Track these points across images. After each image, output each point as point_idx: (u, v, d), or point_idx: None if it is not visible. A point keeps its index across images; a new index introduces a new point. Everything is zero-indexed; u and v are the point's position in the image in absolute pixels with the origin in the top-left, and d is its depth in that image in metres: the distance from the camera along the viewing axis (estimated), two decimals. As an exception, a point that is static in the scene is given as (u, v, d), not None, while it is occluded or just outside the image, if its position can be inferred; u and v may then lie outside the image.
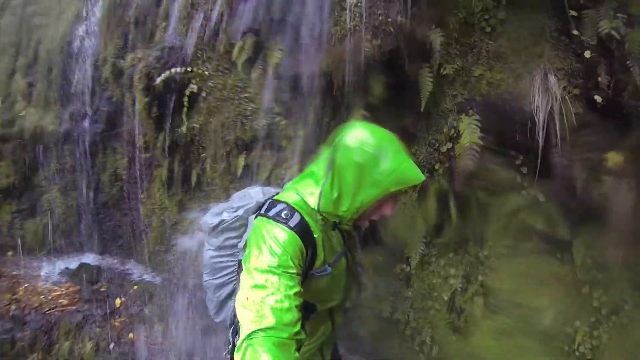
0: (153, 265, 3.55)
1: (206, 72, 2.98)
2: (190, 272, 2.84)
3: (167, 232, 3.39)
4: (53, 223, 3.97)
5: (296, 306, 0.93)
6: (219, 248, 1.23)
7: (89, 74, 3.67)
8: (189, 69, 2.95)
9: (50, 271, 3.78)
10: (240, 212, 1.19)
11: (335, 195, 1.07)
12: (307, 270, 1.09)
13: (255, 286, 0.94)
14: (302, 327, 0.95)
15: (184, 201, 3.29)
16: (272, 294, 0.92)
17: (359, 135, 1.07)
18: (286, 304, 0.91)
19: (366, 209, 1.09)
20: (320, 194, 1.10)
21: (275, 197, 1.14)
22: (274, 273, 0.95)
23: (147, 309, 3.15)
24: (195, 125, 3.09)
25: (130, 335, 2.96)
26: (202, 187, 3.17)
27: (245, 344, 0.85)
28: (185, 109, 3.04)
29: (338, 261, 1.18)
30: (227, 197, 1.63)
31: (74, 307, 3.28)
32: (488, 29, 1.92)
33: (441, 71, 2.03)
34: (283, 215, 1.05)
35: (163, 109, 3.17)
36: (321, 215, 1.12)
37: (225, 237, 1.22)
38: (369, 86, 2.16)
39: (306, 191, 1.13)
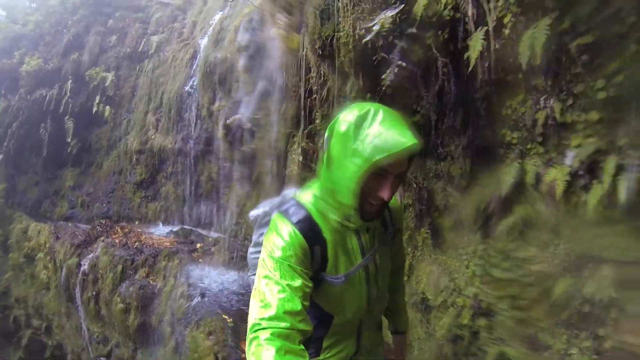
0: (223, 231, 5.68)
1: (256, 116, 5.06)
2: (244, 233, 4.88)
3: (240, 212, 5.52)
4: (166, 205, 6.32)
5: (299, 297, 0.97)
6: (256, 244, 1.25)
7: (193, 113, 6.01)
8: (248, 114, 5.09)
9: (161, 231, 6.08)
10: (267, 208, 1.22)
11: (330, 182, 1.04)
12: (318, 270, 1.09)
13: (262, 277, 1.00)
14: (313, 321, 1.03)
15: (250, 193, 5.39)
16: (275, 283, 0.97)
17: (347, 109, 1.02)
18: (287, 294, 0.95)
19: (359, 188, 0.99)
20: (319, 179, 1.10)
21: (294, 195, 1.17)
22: (277, 265, 1.00)
23: (214, 250, 5.22)
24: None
25: (201, 259, 5.03)
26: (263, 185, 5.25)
27: (251, 336, 0.91)
28: (244, 137, 5.17)
29: (354, 273, 1.13)
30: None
31: (172, 246, 5.48)
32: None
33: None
34: (290, 211, 1.08)
35: (233, 136, 5.34)
36: (334, 213, 1.09)
37: (259, 232, 1.25)
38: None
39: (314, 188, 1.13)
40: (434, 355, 2.22)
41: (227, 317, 3.49)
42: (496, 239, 2.19)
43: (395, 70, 2.23)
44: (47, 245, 6.91)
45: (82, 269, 5.93)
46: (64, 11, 8.13)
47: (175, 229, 5.97)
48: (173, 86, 6.39)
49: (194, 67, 6.26)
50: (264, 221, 1.24)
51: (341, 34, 2.93)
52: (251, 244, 1.30)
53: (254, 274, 1.12)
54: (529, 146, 2.01)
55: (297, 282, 0.97)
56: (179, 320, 3.84)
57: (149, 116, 6.60)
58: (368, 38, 2.40)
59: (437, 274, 2.48)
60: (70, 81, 7.33)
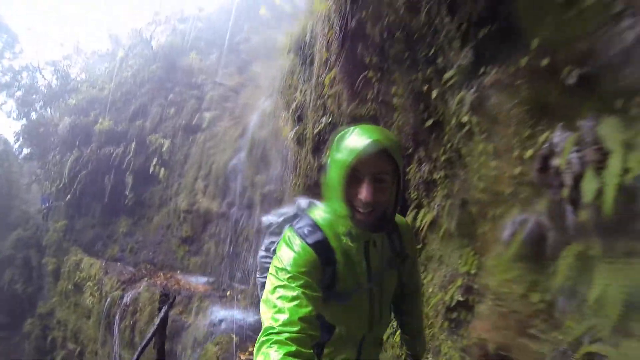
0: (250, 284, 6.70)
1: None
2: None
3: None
4: (207, 260, 7.42)
5: (312, 305, 0.99)
6: (267, 249, 1.28)
7: (239, 183, 7.21)
8: (277, 186, 6.24)
9: (199, 281, 7.14)
10: (280, 219, 1.24)
11: (327, 194, 1.10)
12: (326, 288, 1.11)
13: (275, 286, 1.02)
14: (321, 328, 1.02)
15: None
16: (289, 290, 1.00)
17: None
18: (300, 301, 0.98)
19: (344, 195, 1.05)
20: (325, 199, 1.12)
21: (308, 211, 1.19)
22: (291, 275, 1.02)
23: (240, 297, 6.20)
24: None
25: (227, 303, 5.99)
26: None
27: (263, 339, 0.92)
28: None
29: (357, 292, 1.16)
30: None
31: (205, 292, 6.49)
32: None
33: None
34: (306, 230, 1.10)
35: (268, 203, 6.45)
36: (343, 229, 1.11)
37: (270, 240, 1.27)
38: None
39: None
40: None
41: (234, 337, 4.52)
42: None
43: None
44: (97, 278, 8.08)
45: (124, 300, 7.02)
46: (134, 83, 9.78)
47: (212, 280, 7.04)
48: (222, 158, 7.69)
49: (241, 143, 7.55)
50: (277, 230, 1.25)
51: (307, 130, 4.16)
52: (262, 248, 1.31)
53: (263, 276, 1.23)
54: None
55: (309, 290, 1.02)
56: (200, 344, 4.85)
57: (198, 182, 7.89)
58: (315, 132, 3.66)
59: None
60: (134, 143, 8.79)
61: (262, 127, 7.01)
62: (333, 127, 3.82)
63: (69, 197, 9.36)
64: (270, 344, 0.89)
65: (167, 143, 8.60)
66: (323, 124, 3.94)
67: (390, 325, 1.57)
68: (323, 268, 1.09)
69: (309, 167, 4.50)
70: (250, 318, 5.56)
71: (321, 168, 3.92)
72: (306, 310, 0.97)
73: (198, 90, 9.45)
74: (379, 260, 1.20)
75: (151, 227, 8.64)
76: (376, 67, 3.02)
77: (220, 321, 5.31)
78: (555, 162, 1.64)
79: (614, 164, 1.43)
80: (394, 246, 1.27)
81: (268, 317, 0.97)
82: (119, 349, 7.25)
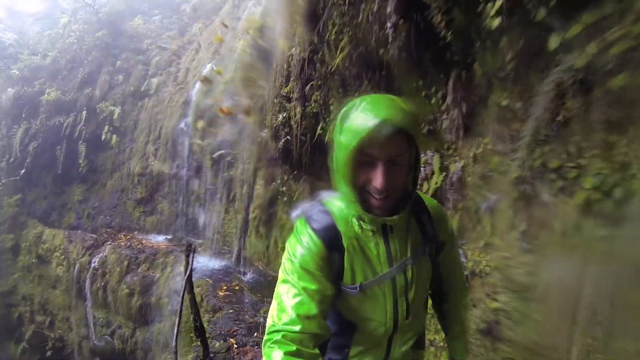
0: (208, 237, 8.05)
1: (234, 152, 7.52)
2: (223, 239, 7.30)
3: (221, 223, 7.90)
4: (162, 218, 8.71)
5: (315, 301, 1.05)
6: None
7: (186, 146, 8.41)
8: (228, 151, 7.52)
9: (157, 239, 8.45)
10: (299, 211, 1.27)
11: (335, 177, 1.09)
12: (337, 278, 1.15)
13: (281, 280, 1.11)
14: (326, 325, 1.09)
15: (228, 209, 7.80)
16: (292, 286, 1.07)
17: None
18: (302, 298, 1.05)
19: (351, 181, 1.05)
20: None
21: (324, 199, 1.21)
22: (295, 268, 1.09)
23: (201, 250, 7.59)
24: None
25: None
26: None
27: (265, 337, 1.02)
28: (225, 167, 7.61)
29: (377, 283, 1.15)
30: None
31: (168, 248, 7.79)
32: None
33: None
34: (314, 217, 1.16)
35: (218, 166, 7.74)
36: (354, 215, 1.13)
37: None
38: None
39: None
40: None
41: (209, 280, 5.85)
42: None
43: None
44: (62, 247, 9.27)
45: (92, 265, 8.25)
46: (79, 50, 10.60)
47: (170, 237, 8.36)
48: (170, 123, 8.80)
49: (187, 109, 8.70)
50: None
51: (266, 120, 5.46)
52: None
53: None
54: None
55: (314, 286, 1.05)
56: (176, 294, 6.22)
57: (149, 145, 9.00)
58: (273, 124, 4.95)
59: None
60: (84, 112, 9.76)
61: (206, 95, 8.18)
62: (288, 122, 5.04)
63: (23, 171, 10.36)
64: (272, 343, 0.98)
65: (117, 110, 9.58)
66: (280, 119, 5.09)
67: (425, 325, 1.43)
68: (329, 256, 1.11)
69: (267, 144, 5.71)
70: (216, 264, 6.87)
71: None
72: (308, 308, 1.02)
73: (144, 56, 10.34)
74: (404, 245, 1.17)
75: (105, 192, 9.75)
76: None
77: (193, 269, 6.62)
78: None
79: (435, 177, 2.76)
80: (425, 230, 1.23)
81: (273, 314, 1.05)
82: (92, 310, 8.47)
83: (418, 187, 1.19)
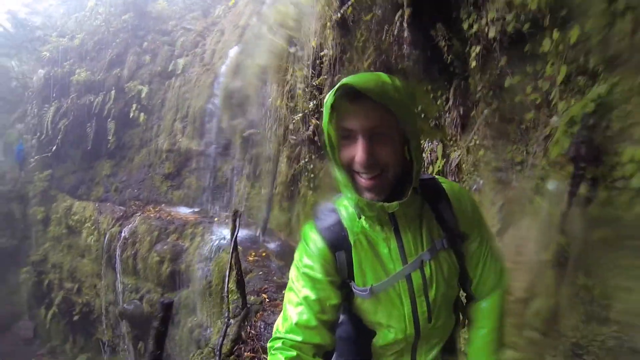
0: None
1: (258, 131, 8.33)
2: (247, 211, 8.18)
3: (247, 196, 8.78)
4: (189, 193, 9.62)
5: (315, 311, 1.05)
6: None
7: (215, 125, 9.24)
8: (257, 130, 8.35)
9: (185, 211, 9.37)
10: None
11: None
12: (346, 279, 1.11)
13: (287, 287, 1.13)
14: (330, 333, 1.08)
15: (254, 184, 8.65)
16: (295, 295, 1.09)
17: None
18: (302, 307, 1.06)
19: (338, 161, 1.01)
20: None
21: (335, 199, 1.19)
22: (298, 275, 1.10)
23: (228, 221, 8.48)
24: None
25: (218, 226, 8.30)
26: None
27: (269, 344, 1.08)
28: (252, 145, 8.43)
29: (391, 284, 1.09)
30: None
31: (196, 220, 8.71)
32: None
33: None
34: (320, 216, 1.15)
35: (247, 144, 8.58)
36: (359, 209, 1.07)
37: None
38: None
39: None
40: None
41: (239, 247, 6.73)
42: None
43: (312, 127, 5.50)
44: (93, 218, 10.26)
45: (123, 234, 9.21)
46: (107, 32, 11.45)
47: (197, 209, 9.28)
48: (197, 102, 9.63)
49: (215, 90, 9.50)
50: None
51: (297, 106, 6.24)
52: None
53: None
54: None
55: (314, 295, 1.05)
56: (206, 260, 7.12)
57: (176, 123, 9.86)
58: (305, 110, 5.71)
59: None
60: (113, 91, 10.65)
61: (234, 77, 8.97)
62: (317, 109, 5.75)
63: (54, 147, 11.32)
64: (274, 350, 1.04)
65: (145, 89, 10.43)
66: (311, 106, 5.80)
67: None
68: (335, 257, 1.09)
69: (295, 127, 6.48)
70: (243, 234, 7.42)
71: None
72: (307, 319, 1.04)
73: (169, 37, 11.16)
74: (419, 238, 1.10)
75: (133, 167, 10.66)
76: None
77: (223, 238, 7.31)
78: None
79: (438, 162, 3.50)
80: (443, 219, 1.14)
81: (279, 321, 1.10)
82: (121, 277, 9.38)
83: (424, 170, 1.16)
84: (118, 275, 9.52)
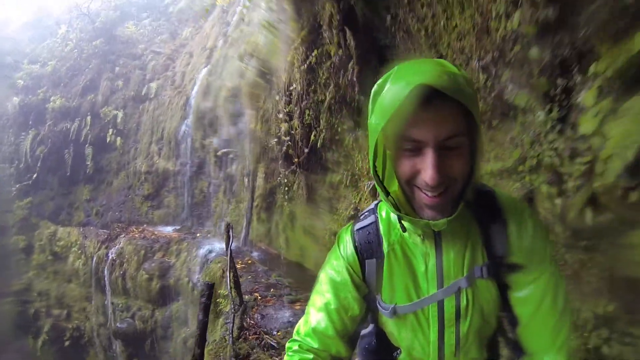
0: (213, 225, 9.82)
1: (234, 150, 9.25)
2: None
3: (224, 213, 9.68)
4: (168, 211, 10.50)
5: (334, 319, 1.08)
6: None
7: (189, 145, 10.14)
8: (232, 150, 9.26)
9: (167, 230, 10.24)
10: None
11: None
12: (373, 291, 1.10)
13: (314, 290, 1.15)
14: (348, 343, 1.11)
15: (230, 200, 9.57)
16: (319, 299, 1.12)
17: None
18: (323, 314, 1.09)
19: (396, 167, 0.92)
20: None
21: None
22: (324, 279, 1.12)
23: (210, 235, 9.39)
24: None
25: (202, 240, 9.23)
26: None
27: (287, 345, 1.13)
28: (228, 163, 9.36)
29: (420, 307, 1.04)
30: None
31: (179, 237, 9.58)
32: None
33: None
34: (361, 216, 1.13)
35: (221, 162, 9.49)
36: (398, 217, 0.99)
37: None
38: None
39: None
40: None
41: (226, 258, 7.64)
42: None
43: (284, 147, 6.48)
44: (79, 243, 11.09)
45: (110, 257, 10.04)
46: (79, 58, 12.32)
47: (178, 227, 10.16)
48: (171, 124, 10.52)
49: (187, 111, 10.41)
50: None
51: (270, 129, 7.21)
52: None
53: None
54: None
55: (335, 304, 1.06)
56: (195, 272, 8.00)
57: (153, 146, 10.75)
58: (277, 132, 6.69)
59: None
60: (89, 117, 11.52)
61: (205, 98, 9.90)
62: (289, 132, 6.64)
63: (35, 175, 12.13)
64: (291, 351, 1.10)
65: (120, 114, 11.32)
66: (283, 129, 6.70)
67: None
68: (363, 263, 1.07)
69: (270, 147, 7.40)
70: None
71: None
72: (325, 328, 1.07)
73: (140, 61, 12.07)
74: (462, 261, 1.00)
75: (112, 190, 11.54)
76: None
77: (210, 251, 8.21)
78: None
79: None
80: (491, 243, 1.00)
81: (300, 322, 1.14)
82: (111, 298, 10.13)
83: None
84: (108, 296, 10.30)
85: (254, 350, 4.36)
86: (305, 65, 5.24)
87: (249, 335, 4.74)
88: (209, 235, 8.94)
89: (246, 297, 5.75)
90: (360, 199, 4.92)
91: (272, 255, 7.75)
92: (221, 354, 4.63)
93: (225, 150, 9.21)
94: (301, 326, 1.14)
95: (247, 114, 8.25)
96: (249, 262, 7.44)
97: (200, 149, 9.85)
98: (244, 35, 8.35)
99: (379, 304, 1.09)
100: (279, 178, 7.36)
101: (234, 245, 8.55)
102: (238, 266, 7.13)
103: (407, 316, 1.06)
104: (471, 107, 0.81)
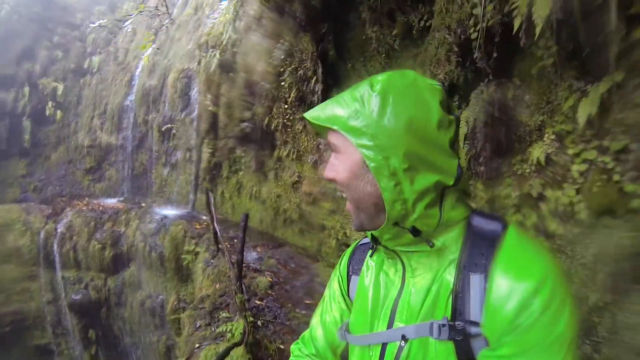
0: (153, 197, 11.45)
1: (176, 125, 10.92)
2: (166, 197, 10.82)
3: (164, 184, 11.33)
4: (110, 184, 12.01)
5: (326, 330, 1.21)
6: None
7: (131, 120, 11.65)
8: (175, 125, 10.93)
9: (110, 201, 11.75)
10: None
11: None
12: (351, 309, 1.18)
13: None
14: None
15: (170, 173, 11.23)
16: (319, 307, 1.25)
17: None
18: (316, 323, 1.25)
19: None
20: None
21: None
22: (327, 287, 1.26)
23: (154, 205, 11.04)
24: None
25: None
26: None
27: (292, 347, 1.30)
28: (171, 137, 10.99)
29: (366, 343, 1.03)
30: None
31: (125, 207, 11.09)
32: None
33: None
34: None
35: (163, 137, 11.12)
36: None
37: None
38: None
39: None
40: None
41: (183, 221, 9.09)
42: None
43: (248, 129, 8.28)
44: (21, 220, 12.26)
45: (59, 230, 11.35)
46: (17, 21, 13.21)
47: (121, 199, 11.69)
48: (115, 99, 11.95)
49: (132, 88, 11.87)
50: None
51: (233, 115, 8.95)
52: None
53: None
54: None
55: (327, 315, 1.21)
56: (150, 236, 9.60)
57: (95, 120, 12.16)
58: (241, 116, 8.46)
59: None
60: (27, 87, 12.65)
61: (150, 76, 11.42)
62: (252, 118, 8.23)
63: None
64: (294, 356, 1.27)
65: (60, 86, 12.60)
66: (246, 115, 8.25)
67: None
68: (349, 278, 1.15)
69: (226, 127, 9.01)
70: (180, 212, 9.83)
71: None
72: (319, 336, 1.22)
73: (79, 32, 13.32)
74: (419, 306, 0.93)
75: (51, 164, 12.85)
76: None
77: (165, 216, 9.55)
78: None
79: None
80: (462, 298, 0.88)
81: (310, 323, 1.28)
82: (61, 272, 11.06)
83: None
84: (58, 271, 11.29)
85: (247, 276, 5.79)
86: (276, 70, 6.95)
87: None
88: (153, 204, 10.57)
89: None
90: (302, 169, 6.75)
91: (220, 220, 9.49)
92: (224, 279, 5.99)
93: (169, 125, 10.85)
94: (306, 330, 1.29)
95: (200, 96, 9.91)
96: (205, 224, 8.83)
97: (143, 124, 11.39)
98: (202, 25, 9.93)
99: (345, 325, 1.12)
100: (230, 154, 9.10)
101: (186, 211, 10.33)
102: (198, 227, 8.76)
103: (355, 349, 1.07)
104: (345, 131, 0.89)
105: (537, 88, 2.78)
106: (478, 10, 3.02)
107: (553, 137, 2.61)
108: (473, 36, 3.18)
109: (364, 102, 0.87)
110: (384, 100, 0.86)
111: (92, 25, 13.21)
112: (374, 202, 0.91)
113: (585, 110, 2.29)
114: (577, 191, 2.42)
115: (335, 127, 0.89)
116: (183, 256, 7.55)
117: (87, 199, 12.08)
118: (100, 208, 11.12)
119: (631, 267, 2.04)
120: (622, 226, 2.08)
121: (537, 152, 2.66)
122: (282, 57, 6.55)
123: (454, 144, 0.90)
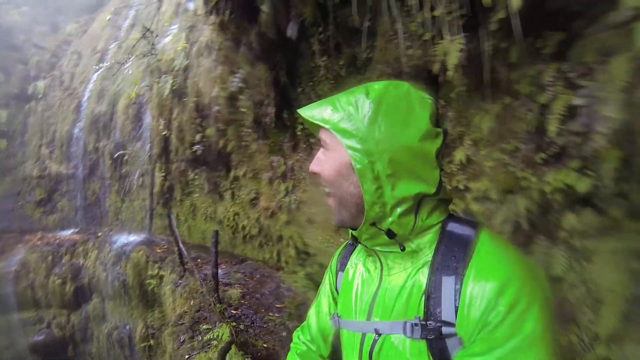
0: (109, 225, 11.40)
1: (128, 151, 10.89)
2: (121, 225, 10.82)
3: (118, 211, 11.31)
4: (63, 215, 11.88)
5: (318, 318, 1.36)
6: None
7: (81, 147, 11.56)
8: (127, 151, 10.91)
9: (67, 233, 11.62)
10: None
11: None
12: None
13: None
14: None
15: (124, 199, 11.21)
16: (315, 300, 1.40)
17: None
18: (312, 312, 1.41)
19: None
20: None
21: None
22: (322, 282, 1.40)
23: (111, 234, 11.01)
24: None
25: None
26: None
27: (294, 334, 1.46)
28: (123, 164, 10.97)
29: (352, 328, 1.15)
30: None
31: (81, 238, 11.01)
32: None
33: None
34: None
35: (115, 163, 11.07)
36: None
37: None
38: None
39: None
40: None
41: (144, 246, 9.05)
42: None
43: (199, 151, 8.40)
44: None
45: (12, 267, 11.10)
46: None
47: (77, 230, 11.58)
48: (63, 127, 11.80)
49: (80, 114, 11.73)
50: None
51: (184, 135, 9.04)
52: None
53: None
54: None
55: (320, 305, 1.36)
56: (111, 265, 9.54)
57: (43, 149, 11.99)
58: (193, 139, 8.57)
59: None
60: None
61: (99, 102, 11.33)
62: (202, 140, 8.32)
63: None
64: (293, 343, 1.43)
65: (4, 113, 12.36)
66: (197, 138, 8.30)
67: None
68: (337, 273, 1.31)
69: (177, 150, 9.07)
70: (138, 238, 9.73)
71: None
72: (313, 324, 1.37)
73: (21, 54, 13.08)
74: (392, 303, 1.02)
75: (-4, 198, 12.65)
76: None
77: (125, 244, 9.48)
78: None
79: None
80: (437, 301, 0.94)
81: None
82: (20, 314, 10.72)
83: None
84: (14, 313, 10.90)
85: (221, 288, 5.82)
86: (229, 94, 7.10)
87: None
88: (110, 233, 10.53)
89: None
90: (259, 186, 6.99)
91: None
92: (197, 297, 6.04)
93: (121, 152, 10.83)
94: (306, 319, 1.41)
95: (153, 121, 9.93)
96: (165, 247, 8.89)
97: (93, 152, 11.32)
98: (153, 51, 9.93)
99: (334, 314, 1.22)
100: (182, 177, 9.19)
101: (144, 236, 10.30)
102: (159, 251, 8.70)
103: (344, 332, 1.18)
104: (336, 131, 1.01)
105: (456, 107, 3.54)
106: (410, 52, 3.75)
107: (470, 142, 3.41)
108: (406, 70, 3.86)
109: (357, 107, 0.99)
110: (376, 108, 0.97)
111: (35, 47, 13.03)
112: (355, 202, 1.03)
113: (488, 123, 3.18)
114: (490, 180, 3.24)
115: (327, 127, 1.02)
116: (147, 281, 7.65)
117: (40, 232, 11.92)
118: (56, 241, 11.00)
119: (528, 221, 2.93)
120: (519, 199, 2.96)
121: (460, 155, 3.44)
122: (240, 84, 6.77)
123: (439, 155, 1.00)
